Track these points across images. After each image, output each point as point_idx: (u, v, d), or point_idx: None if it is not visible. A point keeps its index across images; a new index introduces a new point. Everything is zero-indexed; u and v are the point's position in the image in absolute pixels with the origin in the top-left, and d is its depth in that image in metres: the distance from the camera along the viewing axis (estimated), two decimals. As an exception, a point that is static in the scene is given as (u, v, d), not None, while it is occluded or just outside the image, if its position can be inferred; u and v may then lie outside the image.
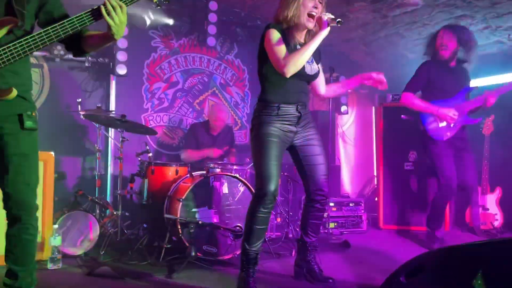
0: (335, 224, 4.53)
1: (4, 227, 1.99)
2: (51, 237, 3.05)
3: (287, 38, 2.53)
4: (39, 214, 2.04)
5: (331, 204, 4.52)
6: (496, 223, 4.39)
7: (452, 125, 3.67)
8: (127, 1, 1.86)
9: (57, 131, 4.39)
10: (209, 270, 3.07)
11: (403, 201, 4.71)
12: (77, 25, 1.82)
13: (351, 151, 6.67)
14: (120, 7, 1.83)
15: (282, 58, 2.43)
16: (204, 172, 3.48)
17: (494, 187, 4.46)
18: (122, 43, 4.53)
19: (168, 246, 3.22)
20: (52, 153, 3.21)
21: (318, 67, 2.75)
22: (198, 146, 4.50)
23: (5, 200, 1.94)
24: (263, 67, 2.62)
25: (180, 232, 3.16)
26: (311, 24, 2.54)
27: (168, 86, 5.24)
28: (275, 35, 2.48)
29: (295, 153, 2.70)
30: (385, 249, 3.81)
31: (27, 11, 1.88)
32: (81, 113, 3.72)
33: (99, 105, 4.17)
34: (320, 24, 2.47)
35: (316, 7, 2.53)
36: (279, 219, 4.37)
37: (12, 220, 1.95)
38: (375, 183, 5.91)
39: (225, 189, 3.43)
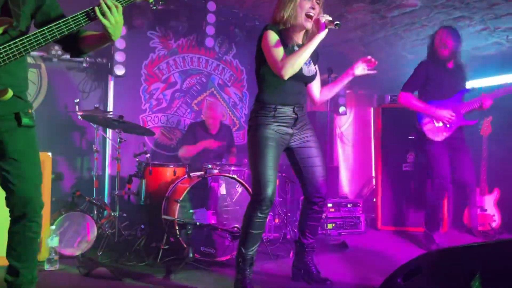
0: (333, 225, 4.52)
1: (6, 225, 1.98)
2: (48, 238, 3.04)
3: (284, 39, 2.52)
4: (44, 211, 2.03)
5: (329, 205, 4.52)
6: (494, 224, 4.39)
7: (448, 126, 3.67)
8: (123, 2, 1.85)
9: (54, 131, 4.38)
10: (207, 271, 3.06)
11: (401, 202, 4.71)
12: (73, 26, 1.82)
13: (349, 152, 6.67)
14: (116, 7, 1.82)
15: (280, 60, 2.42)
16: (202, 173, 3.47)
17: (492, 188, 4.46)
18: (120, 43, 4.53)
19: (166, 247, 3.21)
20: (50, 153, 3.20)
21: (316, 68, 2.74)
22: (196, 144, 4.48)
23: (8, 198, 1.93)
24: (261, 68, 2.61)
25: (178, 233, 3.16)
26: (309, 24, 2.53)
27: (166, 87, 5.23)
28: (272, 36, 2.47)
29: (292, 155, 2.69)
30: (383, 250, 3.81)
31: (22, 12, 1.87)
32: (79, 113, 3.71)
33: (97, 105, 4.16)
34: (318, 26, 2.46)
35: (313, 8, 2.52)
36: (277, 220, 4.37)
37: (16, 217, 1.94)
38: (373, 184, 5.91)
39: (222, 190, 3.43)
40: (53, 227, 3.14)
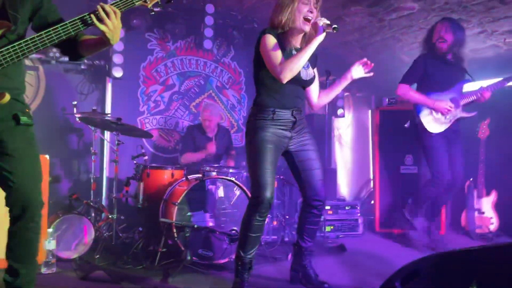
0: (331, 227, 4.52)
1: (6, 225, 1.96)
2: (45, 241, 3.03)
3: (282, 43, 2.53)
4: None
5: (327, 207, 4.52)
6: (492, 227, 4.39)
7: (447, 118, 3.67)
8: (121, 7, 1.85)
9: (52, 133, 4.37)
10: (205, 274, 3.06)
11: (399, 204, 4.70)
12: (71, 30, 1.82)
13: (348, 154, 6.67)
14: (114, 13, 1.82)
15: (278, 64, 2.42)
16: (200, 175, 3.47)
17: (490, 191, 4.47)
18: (118, 45, 4.52)
19: (164, 250, 3.21)
20: (47, 156, 3.19)
21: (314, 71, 2.75)
22: (195, 148, 4.49)
23: (8, 196, 1.91)
24: (259, 72, 2.61)
25: (176, 236, 3.15)
26: (307, 28, 2.54)
27: (164, 89, 5.23)
28: (270, 40, 2.48)
29: (290, 159, 2.69)
30: (381, 253, 3.81)
31: (20, 15, 1.87)
32: (77, 116, 3.70)
33: (95, 107, 4.15)
34: (316, 29, 2.47)
35: (311, 11, 2.53)
36: (275, 222, 4.36)
37: (16, 216, 1.92)
38: (371, 186, 5.91)
39: (220, 193, 3.42)
40: (50, 229, 3.12)
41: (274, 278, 3.02)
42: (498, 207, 4.43)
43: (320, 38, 2.44)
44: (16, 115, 1.88)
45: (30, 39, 1.79)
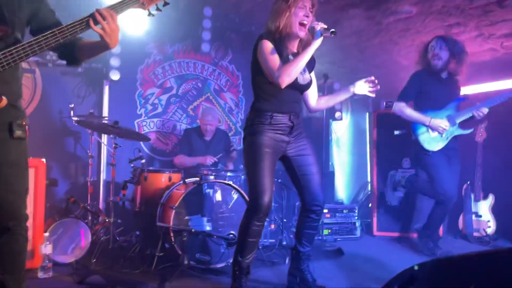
0: (329, 230, 4.52)
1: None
2: (41, 245, 3.02)
3: (279, 48, 2.53)
4: (29, 222, 2.01)
5: (325, 210, 4.51)
6: (489, 230, 4.40)
7: (443, 136, 3.68)
8: (118, 10, 1.84)
9: (49, 137, 4.35)
10: (202, 278, 3.05)
11: (396, 208, 4.71)
12: (68, 34, 1.80)
13: (345, 157, 6.68)
14: (112, 16, 1.81)
15: (276, 69, 2.42)
16: (197, 179, 3.46)
17: (487, 194, 4.47)
18: (115, 48, 4.49)
19: (161, 254, 3.19)
20: (44, 160, 3.18)
21: (311, 76, 2.74)
22: (191, 151, 4.48)
23: None
24: (257, 77, 2.62)
25: (173, 240, 3.14)
26: (302, 33, 2.54)
27: (161, 92, 5.22)
28: (268, 45, 2.48)
29: (288, 164, 2.68)
30: (378, 256, 3.80)
31: (18, 19, 1.86)
32: (74, 119, 3.69)
33: (92, 110, 4.15)
34: (313, 34, 2.47)
35: (307, 16, 2.53)
36: (273, 226, 4.35)
37: (1, 230, 1.91)
38: (369, 189, 5.92)
39: (218, 197, 3.41)
40: (47, 234, 3.11)
41: (272, 282, 3.01)
42: (495, 210, 4.44)
43: (318, 43, 2.44)
44: (11, 126, 1.86)
45: (28, 43, 1.77)
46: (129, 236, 3.72)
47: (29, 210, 2.04)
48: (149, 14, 1.96)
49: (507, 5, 3.94)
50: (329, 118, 5.83)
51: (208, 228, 3.32)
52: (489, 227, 4.41)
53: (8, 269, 1.94)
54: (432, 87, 3.75)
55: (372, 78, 2.67)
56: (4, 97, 1.81)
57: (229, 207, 3.44)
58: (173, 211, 3.19)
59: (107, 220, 3.66)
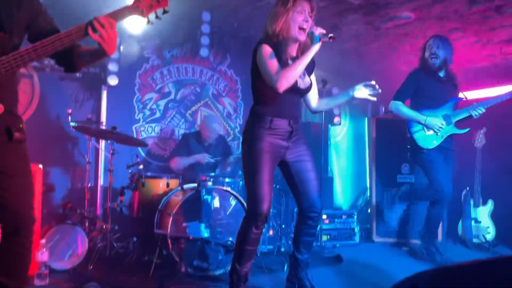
0: (328, 236, 4.49)
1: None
2: (38, 252, 2.99)
3: (279, 52, 2.51)
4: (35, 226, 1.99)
5: (324, 216, 4.49)
6: (489, 236, 4.38)
7: (439, 134, 3.67)
8: (117, 18, 1.83)
9: (46, 142, 4.33)
10: (200, 286, 3.03)
11: (396, 213, 4.68)
12: (66, 42, 1.79)
13: (344, 162, 6.66)
14: (110, 24, 1.80)
15: (275, 74, 2.41)
16: (196, 185, 3.44)
17: (487, 200, 4.46)
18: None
19: (158, 261, 3.16)
20: (40, 166, 3.15)
21: (311, 79, 2.73)
22: (189, 155, 4.45)
23: (0, 214, 1.88)
24: (256, 82, 2.60)
25: (171, 247, 3.11)
26: (302, 37, 2.53)
27: (160, 97, 5.20)
28: (267, 50, 2.47)
29: (287, 169, 2.66)
30: (378, 263, 3.77)
31: (16, 25, 1.85)
32: (71, 124, 3.67)
33: (90, 116, 4.13)
34: (312, 39, 2.46)
35: (306, 21, 2.52)
36: (271, 232, 4.33)
37: (7, 233, 1.89)
38: (368, 194, 5.90)
39: (216, 203, 3.39)
40: (43, 240, 3.08)
41: (270, 290, 2.99)
42: (495, 216, 4.42)
43: (316, 47, 2.44)
44: (9, 130, 1.85)
45: (25, 50, 1.76)
46: (126, 242, 3.70)
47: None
48: (148, 22, 1.95)
49: (505, 11, 3.95)
50: (328, 123, 5.82)
51: (206, 234, 3.29)
52: (489, 233, 4.39)
53: (11, 273, 1.92)
54: (430, 86, 3.74)
55: (373, 82, 2.63)
56: (1, 104, 1.79)
57: (227, 213, 3.42)
58: (171, 217, 3.17)
59: (104, 227, 3.64)
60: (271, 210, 4.24)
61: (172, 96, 5.27)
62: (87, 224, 3.76)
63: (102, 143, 4.58)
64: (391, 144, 4.69)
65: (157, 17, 1.95)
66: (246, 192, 2.53)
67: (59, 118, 4.47)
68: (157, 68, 5.19)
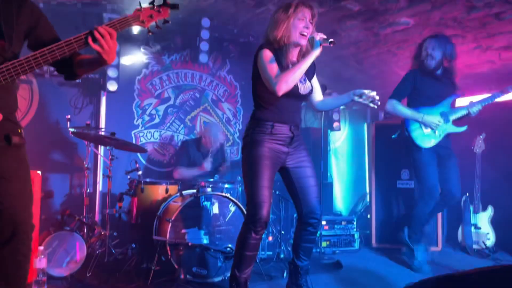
0: (327, 242, 4.47)
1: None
2: (36, 258, 2.96)
3: (279, 57, 2.52)
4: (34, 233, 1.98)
5: (323, 222, 4.47)
6: (489, 243, 4.37)
7: (436, 133, 3.67)
8: (117, 27, 1.84)
9: (45, 148, 4.32)
10: (199, 293, 3.01)
11: (395, 219, 4.67)
12: (66, 50, 1.79)
13: (344, 168, 6.65)
14: (110, 34, 1.81)
15: (275, 77, 2.41)
16: (195, 191, 3.43)
17: (486, 206, 4.45)
18: (112, 58, 4.49)
19: (157, 268, 3.15)
20: (39, 172, 3.14)
21: (312, 83, 2.73)
22: (189, 164, 4.45)
23: None
24: (257, 86, 2.61)
25: (169, 253, 3.10)
26: (304, 41, 2.54)
27: (159, 102, 5.20)
28: (268, 54, 2.48)
29: (287, 175, 2.66)
30: (377, 269, 3.76)
31: (16, 34, 1.84)
32: (70, 130, 3.67)
33: (89, 121, 4.11)
34: (312, 44, 2.47)
35: (307, 27, 2.53)
36: (270, 238, 4.31)
37: (5, 239, 1.86)
38: (368, 200, 5.88)
39: (215, 209, 3.38)
40: (41, 247, 3.06)
41: (270, 297, 2.97)
42: (494, 222, 4.41)
43: (317, 52, 2.45)
44: (8, 135, 1.84)
45: (25, 58, 1.76)
46: (125, 249, 3.68)
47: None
48: (149, 31, 1.96)
49: (504, 17, 3.96)
50: (327, 128, 5.82)
51: (205, 241, 3.28)
52: (489, 239, 4.38)
53: (9, 280, 1.90)
54: (426, 85, 3.74)
55: (374, 94, 2.56)
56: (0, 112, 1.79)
57: (226, 219, 3.41)
58: (170, 224, 3.16)
59: (103, 233, 3.62)
60: (271, 216, 4.24)
61: (171, 102, 5.27)
62: (85, 231, 3.74)
63: (101, 149, 4.57)
64: (390, 149, 4.68)
65: (157, 26, 1.96)
66: (246, 197, 2.53)
67: (58, 124, 4.46)
68: (156, 74, 5.20)
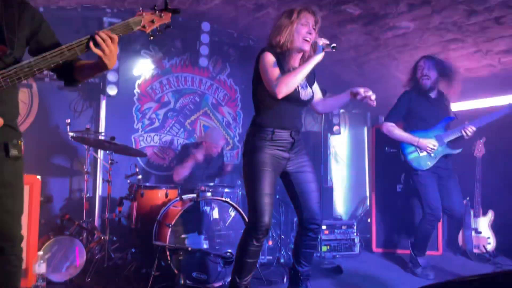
0: (328, 247, 4.46)
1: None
2: (35, 264, 2.95)
3: (281, 62, 2.52)
4: (23, 243, 1.97)
5: (324, 227, 4.46)
6: (489, 247, 4.35)
7: (432, 155, 3.67)
8: (118, 32, 1.83)
9: (45, 152, 4.32)
10: (199, 298, 2.99)
11: (395, 223, 4.66)
12: (67, 55, 1.79)
13: (344, 172, 6.64)
14: (111, 39, 1.80)
15: (275, 79, 2.40)
16: (195, 195, 3.42)
17: (487, 210, 4.44)
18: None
19: (157, 273, 3.13)
20: (39, 177, 3.13)
21: (312, 89, 2.73)
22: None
23: None
24: (258, 91, 2.59)
25: (169, 258, 3.08)
26: (307, 46, 2.53)
27: (159, 106, 5.20)
28: (269, 57, 2.47)
29: (288, 181, 2.65)
30: (378, 274, 3.75)
31: (18, 39, 1.84)
32: (70, 134, 3.66)
33: (88, 126, 4.11)
34: (315, 49, 2.47)
35: (310, 33, 2.53)
36: (270, 242, 4.30)
37: None
38: (368, 204, 5.87)
39: (215, 214, 3.37)
40: (41, 252, 3.05)
41: (270, 302, 2.95)
42: (495, 227, 4.40)
43: (319, 57, 2.44)
44: (7, 146, 1.83)
45: (26, 63, 1.76)
46: (124, 253, 3.67)
47: (24, 228, 1.99)
48: (151, 36, 1.95)
49: (504, 21, 3.96)
50: (327, 132, 5.81)
51: (205, 246, 3.26)
52: (489, 243, 4.37)
53: None
54: (421, 107, 3.75)
55: (370, 93, 2.59)
56: (0, 118, 1.78)
57: (226, 224, 3.39)
58: (170, 229, 3.14)
59: (102, 238, 3.61)
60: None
61: (171, 106, 5.27)
62: (85, 235, 3.73)
63: (101, 153, 4.57)
64: (390, 153, 4.67)
65: (159, 31, 1.95)
66: (247, 204, 2.52)
67: (58, 128, 4.45)
68: (156, 78, 5.20)
